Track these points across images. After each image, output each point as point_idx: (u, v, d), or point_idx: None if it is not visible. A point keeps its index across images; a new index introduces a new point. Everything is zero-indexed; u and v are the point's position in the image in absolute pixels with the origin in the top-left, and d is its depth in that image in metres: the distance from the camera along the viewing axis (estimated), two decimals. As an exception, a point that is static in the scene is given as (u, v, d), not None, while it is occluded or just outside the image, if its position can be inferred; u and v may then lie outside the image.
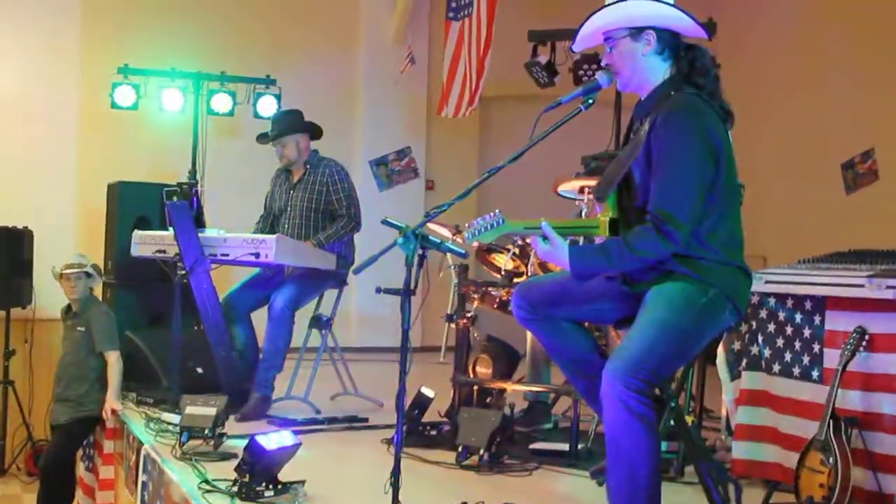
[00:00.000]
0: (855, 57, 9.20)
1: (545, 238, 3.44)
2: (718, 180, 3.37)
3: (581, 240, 4.63)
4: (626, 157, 3.51)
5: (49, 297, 8.12)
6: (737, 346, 4.88)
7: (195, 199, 6.78)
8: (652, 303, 3.34)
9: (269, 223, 6.75)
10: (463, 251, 3.90)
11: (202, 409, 5.11)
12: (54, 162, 9.42)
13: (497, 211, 3.50)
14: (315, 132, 6.72)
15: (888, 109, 8.66)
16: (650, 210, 3.33)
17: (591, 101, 3.62)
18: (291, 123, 6.63)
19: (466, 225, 3.53)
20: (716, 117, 3.41)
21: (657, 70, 3.51)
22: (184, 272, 6.12)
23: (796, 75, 9.98)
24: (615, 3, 3.48)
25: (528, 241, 5.61)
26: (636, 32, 3.48)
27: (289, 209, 6.58)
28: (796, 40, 9.98)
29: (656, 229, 3.29)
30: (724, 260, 3.40)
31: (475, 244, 5.12)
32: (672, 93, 3.44)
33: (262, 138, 6.77)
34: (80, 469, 7.17)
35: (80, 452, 7.16)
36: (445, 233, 6.68)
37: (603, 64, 3.64)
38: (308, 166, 6.58)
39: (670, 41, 3.49)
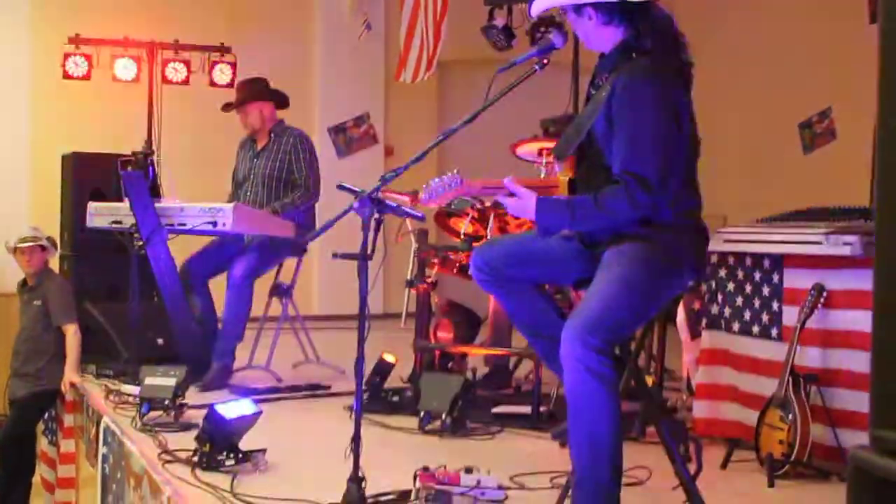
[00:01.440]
0: (811, 17, 9.22)
1: (511, 194, 3.42)
2: (679, 141, 3.36)
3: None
4: (586, 116, 3.50)
5: (4, 271, 8.03)
6: (696, 305, 4.90)
7: (151, 168, 6.72)
8: (609, 263, 3.33)
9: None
10: (420, 214, 3.87)
11: (162, 379, 5.08)
12: (7, 134, 9.30)
13: (455, 170, 3.47)
14: (280, 100, 6.66)
15: (845, 68, 8.69)
16: (618, 172, 3.31)
17: (545, 61, 3.59)
18: (254, 91, 6.58)
19: (423, 186, 3.50)
20: (671, 77, 3.40)
21: (610, 37, 3.50)
22: (140, 243, 6.07)
23: (754, 36, 9.99)
24: None
25: (488, 203, 5.61)
26: (578, 8, 3.48)
27: (252, 177, 6.53)
28: (754, 2, 9.98)
29: (627, 191, 3.27)
30: (681, 219, 3.39)
31: (434, 207, 5.09)
32: (630, 56, 3.42)
33: (227, 107, 6.71)
34: (44, 443, 7.12)
35: (41, 427, 7.11)
36: (404, 199, 6.64)
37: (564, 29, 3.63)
38: (272, 135, 6.53)
39: (616, 9, 3.46)
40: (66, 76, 8.28)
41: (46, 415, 7.03)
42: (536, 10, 3.64)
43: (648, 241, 3.34)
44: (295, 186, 6.45)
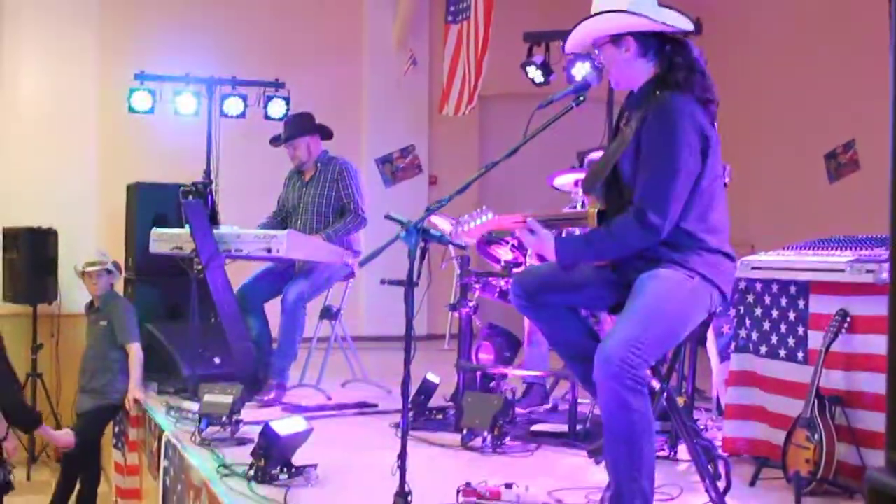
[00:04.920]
0: (836, 52, 9.18)
1: (532, 231, 3.46)
2: (704, 173, 3.38)
3: (577, 230, 4.65)
4: (613, 151, 3.53)
5: (73, 293, 8.17)
6: (725, 329, 4.89)
7: (210, 197, 6.81)
8: (640, 289, 3.35)
9: (279, 220, 6.76)
10: (462, 243, 3.91)
11: (219, 397, 5.13)
12: (76, 165, 9.45)
13: (483, 207, 3.52)
14: (325, 133, 6.74)
15: (869, 101, 8.62)
16: (634, 201, 3.35)
17: (581, 98, 3.64)
18: (302, 125, 6.67)
19: (453, 223, 3.54)
20: (700, 112, 3.42)
21: (642, 71, 3.53)
22: (200, 267, 6.14)
23: (781, 71, 9.96)
24: (593, 16, 3.50)
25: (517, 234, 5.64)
26: (616, 39, 3.51)
27: (301, 206, 6.61)
28: (782, 38, 9.95)
29: (637, 219, 3.31)
30: (709, 247, 3.41)
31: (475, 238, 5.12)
32: (657, 92, 3.45)
33: (275, 140, 6.80)
34: (117, 455, 7.19)
35: (113, 440, 7.19)
36: (448, 226, 6.69)
37: (596, 63, 3.67)
38: (319, 165, 6.62)
39: (652, 43, 3.50)
40: (132, 110, 8.40)
41: (117, 428, 7.11)
42: (572, 44, 3.67)
43: (678, 267, 3.36)
44: (344, 212, 6.51)
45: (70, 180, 9.38)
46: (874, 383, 4.05)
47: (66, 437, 6.51)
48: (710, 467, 3.69)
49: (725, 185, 3.67)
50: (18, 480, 6.19)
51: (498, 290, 5.73)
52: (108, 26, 9.58)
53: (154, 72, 8.50)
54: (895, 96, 1.78)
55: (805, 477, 4.05)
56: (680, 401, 4.98)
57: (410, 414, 4.98)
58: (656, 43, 3.50)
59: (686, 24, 3.51)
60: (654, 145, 3.35)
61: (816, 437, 4.06)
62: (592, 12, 3.52)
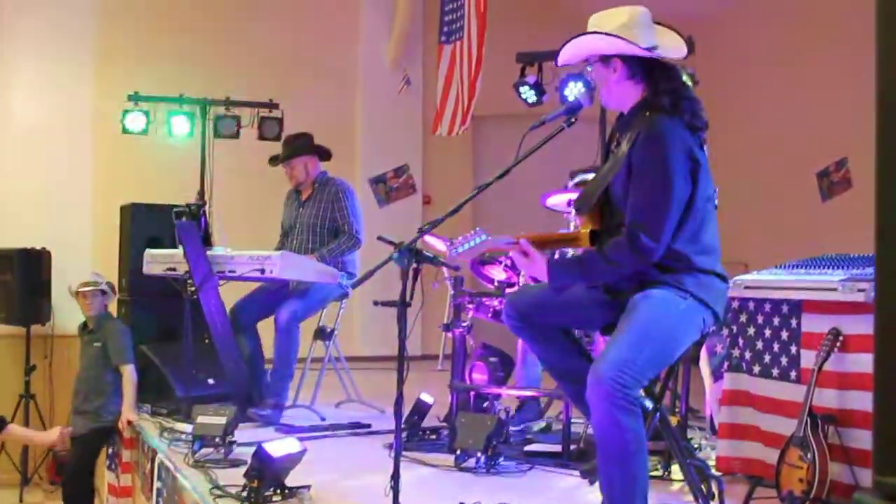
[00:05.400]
0: (826, 72, 9.22)
1: (525, 253, 3.46)
2: (695, 195, 3.39)
3: (570, 252, 4.65)
4: (605, 173, 3.54)
5: (67, 314, 8.16)
6: (718, 348, 4.89)
7: (203, 218, 6.80)
8: (633, 310, 3.35)
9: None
10: (455, 264, 3.91)
11: (213, 418, 5.12)
12: (70, 186, 9.47)
13: (477, 229, 3.52)
14: (323, 154, 6.76)
15: (861, 120, 8.65)
16: (626, 223, 3.36)
17: (573, 119, 3.65)
18: (300, 146, 6.69)
19: (448, 244, 3.54)
20: (688, 135, 3.43)
21: (631, 92, 3.55)
22: (193, 288, 6.14)
23: (773, 90, 10.00)
24: (582, 35, 3.52)
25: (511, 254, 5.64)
26: (606, 59, 3.53)
27: (297, 226, 6.63)
28: (774, 56, 9.99)
29: (630, 242, 3.32)
30: (701, 267, 3.42)
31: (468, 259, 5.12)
32: (647, 114, 3.46)
33: (274, 160, 6.82)
34: (111, 477, 7.16)
35: (106, 462, 7.17)
36: (441, 246, 6.69)
37: (588, 79, 3.69)
38: (316, 185, 6.63)
39: (640, 65, 3.51)
40: (126, 131, 8.40)
41: (110, 450, 7.09)
42: (564, 58, 3.68)
43: (670, 288, 3.37)
44: (339, 233, 6.52)
45: (64, 201, 9.40)
46: (867, 402, 4.03)
47: (48, 436, 6.23)
48: (703, 487, 3.68)
49: (715, 206, 3.68)
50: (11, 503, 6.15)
51: (492, 310, 5.72)
52: (103, 48, 9.63)
53: (148, 93, 8.51)
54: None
55: (798, 496, 4.05)
56: (673, 420, 4.97)
57: (404, 434, 4.98)
58: (643, 67, 3.51)
59: (678, 53, 3.53)
60: (645, 168, 3.36)
61: (810, 456, 4.06)
62: (589, 30, 3.54)
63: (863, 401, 4.07)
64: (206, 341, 6.79)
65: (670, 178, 3.33)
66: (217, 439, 5.05)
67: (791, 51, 9.77)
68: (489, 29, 8.34)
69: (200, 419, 5.13)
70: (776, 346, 4.54)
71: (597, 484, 3.42)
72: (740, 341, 4.73)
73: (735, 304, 4.73)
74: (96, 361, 6.82)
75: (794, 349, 4.45)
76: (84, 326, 7.02)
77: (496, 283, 5.90)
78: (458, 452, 4.97)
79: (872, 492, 1.63)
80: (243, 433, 5.46)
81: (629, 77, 3.53)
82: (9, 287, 8.70)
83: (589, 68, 3.65)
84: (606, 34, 3.46)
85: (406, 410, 5.05)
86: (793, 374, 4.44)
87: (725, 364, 4.84)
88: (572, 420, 5.18)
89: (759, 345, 4.63)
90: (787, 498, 4.07)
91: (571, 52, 3.60)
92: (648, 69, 3.51)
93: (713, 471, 4.50)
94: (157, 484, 5.36)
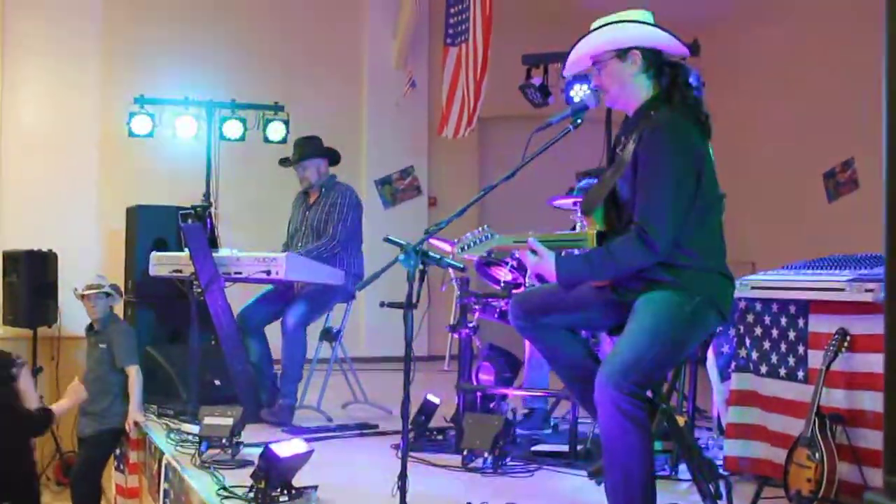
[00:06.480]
0: (835, 71, 9.20)
1: (533, 251, 3.46)
2: (700, 193, 3.39)
3: (576, 251, 4.64)
4: (611, 173, 3.54)
5: (73, 316, 8.16)
6: (725, 348, 4.88)
7: (209, 220, 6.82)
8: (640, 310, 3.35)
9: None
10: (461, 265, 3.91)
11: (220, 419, 5.12)
12: (76, 188, 9.48)
13: (485, 226, 3.52)
14: (333, 158, 6.77)
15: (867, 120, 8.64)
16: (633, 222, 3.36)
17: (579, 120, 3.64)
18: (312, 149, 6.69)
19: (457, 240, 3.54)
20: (696, 133, 3.43)
21: (643, 88, 3.54)
22: (200, 290, 6.14)
23: (779, 90, 9.98)
24: (600, 27, 3.51)
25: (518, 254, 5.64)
26: (622, 53, 3.51)
27: (303, 228, 6.64)
28: (780, 57, 9.98)
29: (638, 239, 3.31)
30: (707, 267, 3.41)
31: (475, 258, 5.12)
32: (653, 112, 3.46)
33: (285, 162, 6.82)
34: (119, 478, 7.16)
35: (114, 462, 7.17)
36: (447, 248, 6.69)
37: (592, 86, 3.67)
38: (323, 189, 6.63)
39: (654, 59, 3.51)
40: (132, 134, 8.41)
41: (118, 451, 7.09)
42: (572, 62, 3.67)
43: (676, 289, 3.36)
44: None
45: (70, 203, 9.40)
46: (875, 402, 4.03)
47: (73, 394, 6.32)
48: (711, 487, 3.67)
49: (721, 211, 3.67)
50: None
51: (498, 311, 5.72)
52: (109, 51, 9.63)
53: (154, 95, 8.52)
54: (887, 118, 1.79)
55: (806, 496, 4.04)
56: (680, 420, 4.97)
57: (411, 435, 4.97)
58: (657, 59, 3.51)
59: (682, 52, 3.54)
60: (651, 166, 3.35)
61: (818, 455, 4.05)
62: (594, 26, 3.53)
63: (871, 401, 4.06)
64: (213, 343, 6.81)
65: (676, 177, 3.33)
66: (224, 440, 5.05)
67: (797, 50, 9.75)
68: (495, 31, 8.34)
69: (207, 420, 5.13)
70: (783, 347, 4.53)
71: (603, 484, 3.41)
72: (747, 341, 4.72)
73: (742, 305, 4.72)
74: (102, 363, 6.82)
75: (801, 349, 4.44)
76: (90, 328, 7.03)
77: (502, 284, 5.90)
78: (465, 453, 4.96)
79: (884, 492, 1.63)
80: (250, 434, 5.46)
81: (645, 70, 3.51)
82: (15, 289, 8.70)
83: (596, 71, 3.63)
84: (630, 21, 3.45)
85: (413, 411, 5.04)
86: (800, 374, 4.43)
87: (732, 364, 4.83)
88: (579, 420, 5.18)
89: (767, 345, 4.62)
90: (795, 498, 4.06)
91: (586, 49, 3.58)
92: (662, 64, 3.51)
93: (721, 471, 4.51)
94: (164, 485, 5.36)
